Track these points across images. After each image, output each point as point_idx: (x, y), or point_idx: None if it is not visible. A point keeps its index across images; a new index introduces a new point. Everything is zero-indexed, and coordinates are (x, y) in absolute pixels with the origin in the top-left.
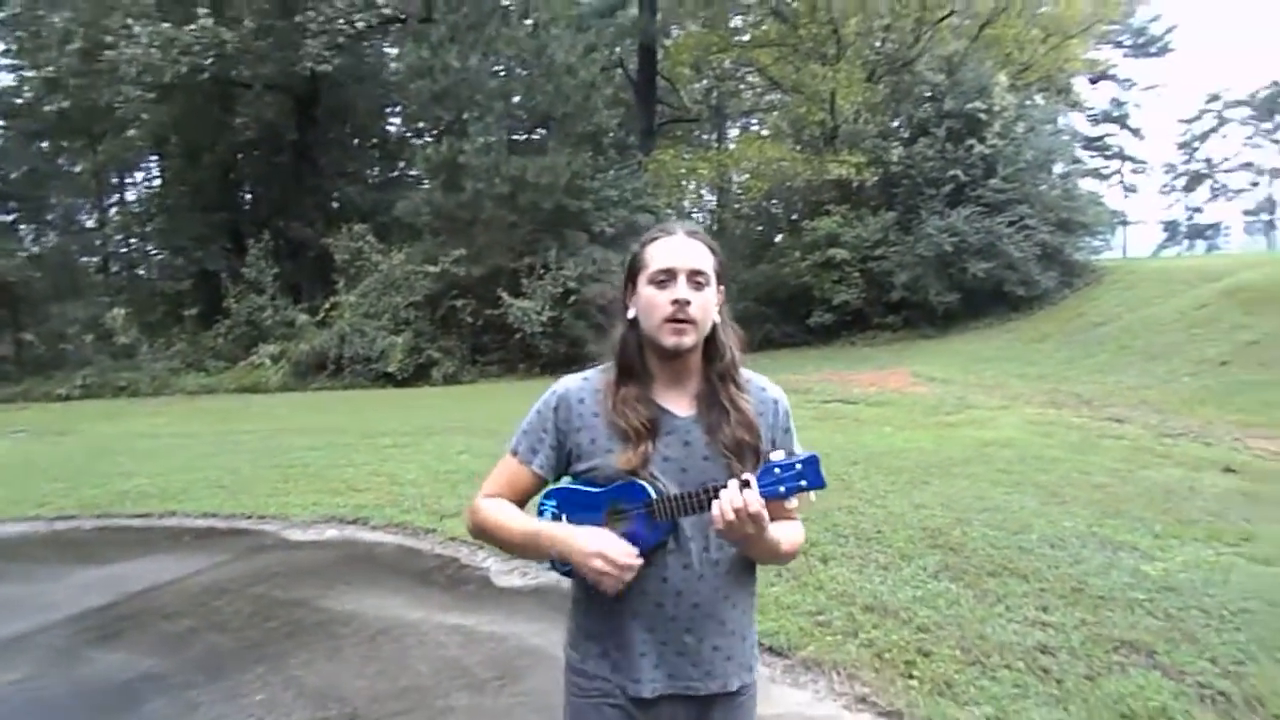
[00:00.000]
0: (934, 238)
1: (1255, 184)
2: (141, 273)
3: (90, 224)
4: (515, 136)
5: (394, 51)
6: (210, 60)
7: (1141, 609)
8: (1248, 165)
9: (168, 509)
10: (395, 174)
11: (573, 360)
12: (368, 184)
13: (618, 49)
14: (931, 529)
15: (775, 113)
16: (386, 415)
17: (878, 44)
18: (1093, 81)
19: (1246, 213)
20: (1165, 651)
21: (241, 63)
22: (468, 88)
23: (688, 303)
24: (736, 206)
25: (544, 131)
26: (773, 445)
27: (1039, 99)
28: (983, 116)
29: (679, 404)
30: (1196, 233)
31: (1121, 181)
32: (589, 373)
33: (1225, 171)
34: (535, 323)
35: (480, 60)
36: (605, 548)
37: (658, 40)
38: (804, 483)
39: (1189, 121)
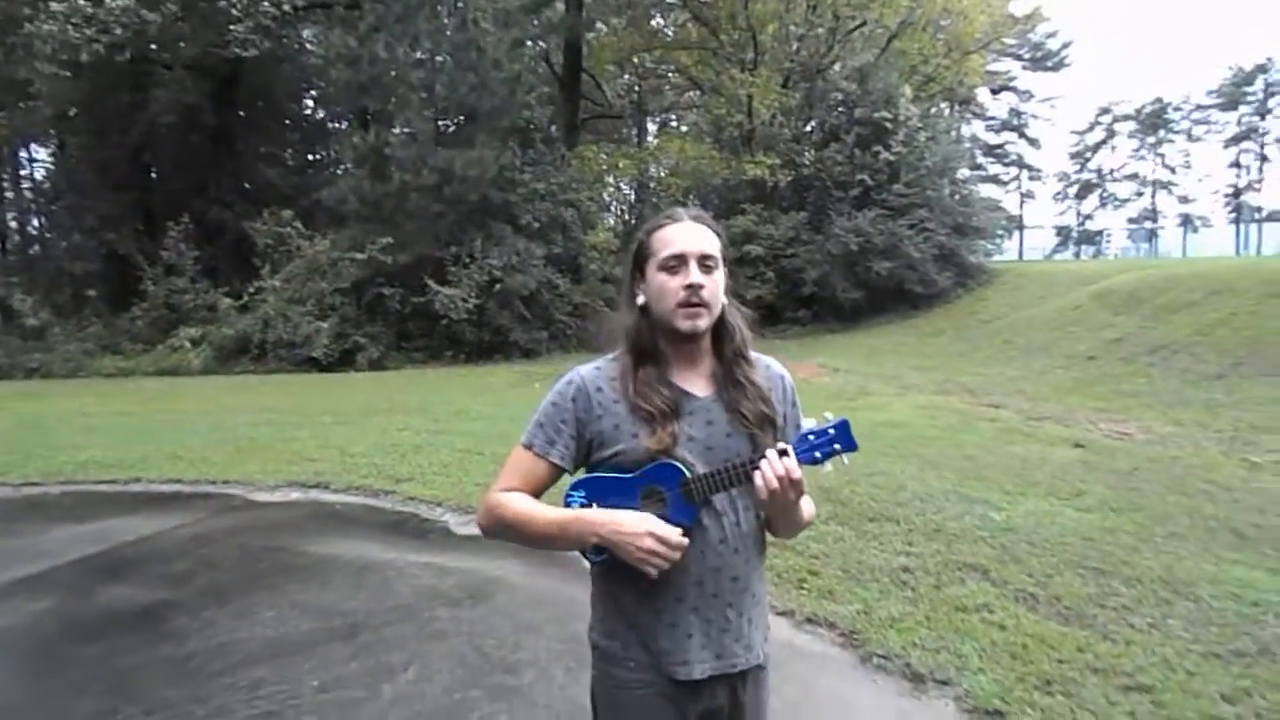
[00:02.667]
0: (841, 238)
1: (1139, 194)
2: (45, 253)
3: None
4: (441, 125)
5: (311, 34)
6: (128, 40)
7: (984, 542)
8: (1133, 176)
9: (131, 476)
10: (316, 159)
11: (496, 348)
12: (287, 168)
13: (542, 44)
14: (825, 488)
15: (694, 111)
16: (318, 398)
17: (793, 50)
18: (994, 92)
19: (1130, 221)
20: (996, 569)
21: (161, 43)
22: (394, 79)
23: (701, 286)
24: (655, 202)
25: (469, 123)
26: (784, 420)
27: (944, 107)
28: (889, 125)
29: (696, 385)
30: (1086, 238)
31: (1019, 188)
32: (599, 362)
33: (1113, 181)
34: (460, 310)
35: (407, 51)
36: (655, 527)
37: (583, 36)
38: (838, 446)
39: (1081, 133)
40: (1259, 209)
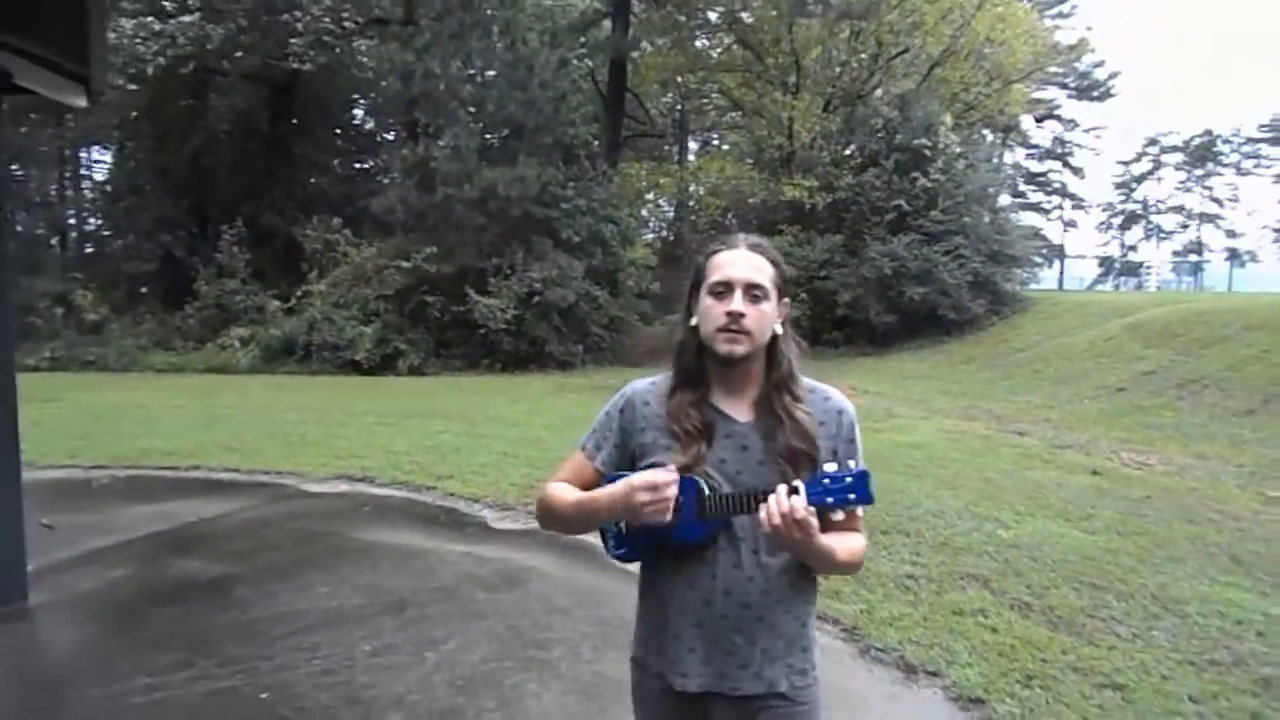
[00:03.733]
0: (876, 261)
1: (1185, 227)
2: (102, 251)
3: (55, 201)
4: (488, 139)
5: (364, 46)
6: (192, 52)
7: (988, 556)
8: (1179, 209)
9: (191, 464)
10: (364, 168)
11: (532, 359)
12: (337, 176)
13: (589, 62)
14: None
15: (736, 131)
16: (361, 399)
17: (836, 75)
18: (1038, 120)
19: (1175, 254)
20: (997, 580)
21: (222, 54)
22: (445, 93)
23: (742, 315)
24: (694, 220)
25: (514, 138)
26: (834, 455)
27: (986, 134)
28: (928, 152)
29: (738, 410)
30: (1129, 270)
31: (1062, 217)
32: (657, 377)
33: (1158, 213)
34: (499, 321)
35: (459, 68)
36: (637, 480)
37: (628, 56)
38: (852, 496)
39: (1127, 163)
40: None
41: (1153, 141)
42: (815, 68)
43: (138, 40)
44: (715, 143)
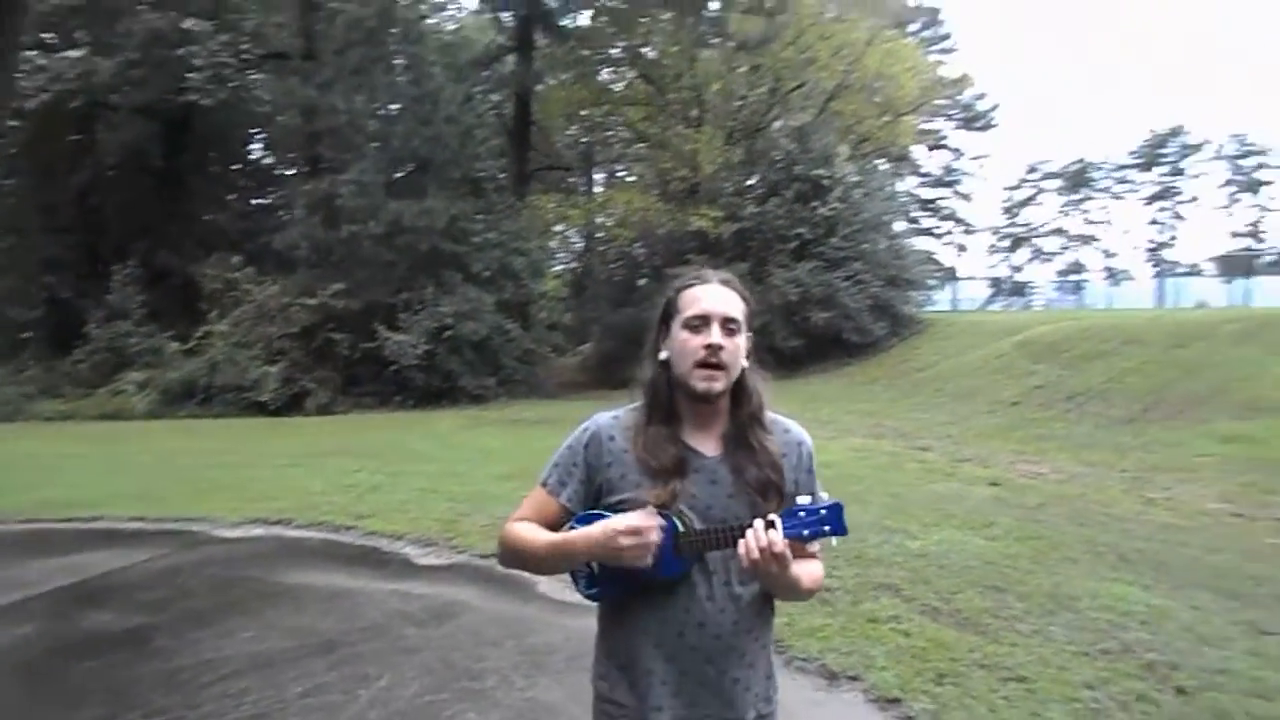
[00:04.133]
0: (781, 288)
1: (1066, 248)
2: None
3: None
4: (394, 174)
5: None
6: (79, 88)
7: (899, 566)
8: (1060, 231)
9: (93, 514)
10: (264, 204)
11: (444, 394)
12: (235, 212)
13: (494, 97)
14: None
15: (641, 163)
16: (269, 441)
17: (736, 109)
18: (930, 149)
19: (1059, 273)
20: (907, 588)
21: (113, 89)
22: (349, 128)
23: (721, 348)
24: (603, 250)
25: (420, 173)
26: (795, 486)
27: (880, 163)
28: (826, 182)
29: (706, 444)
30: (1017, 290)
31: (953, 241)
32: (619, 411)
33: (1041, 235)
34: (410, 356)
35: (364, 103)
36: (620, 524)
37: (532, 90)
38: (827, 528)
39: (1011, 189)
40: (1175, 263)
41: (1033, 169)
42: (716, 101)
43: (19, 75)
44: (621, 174)
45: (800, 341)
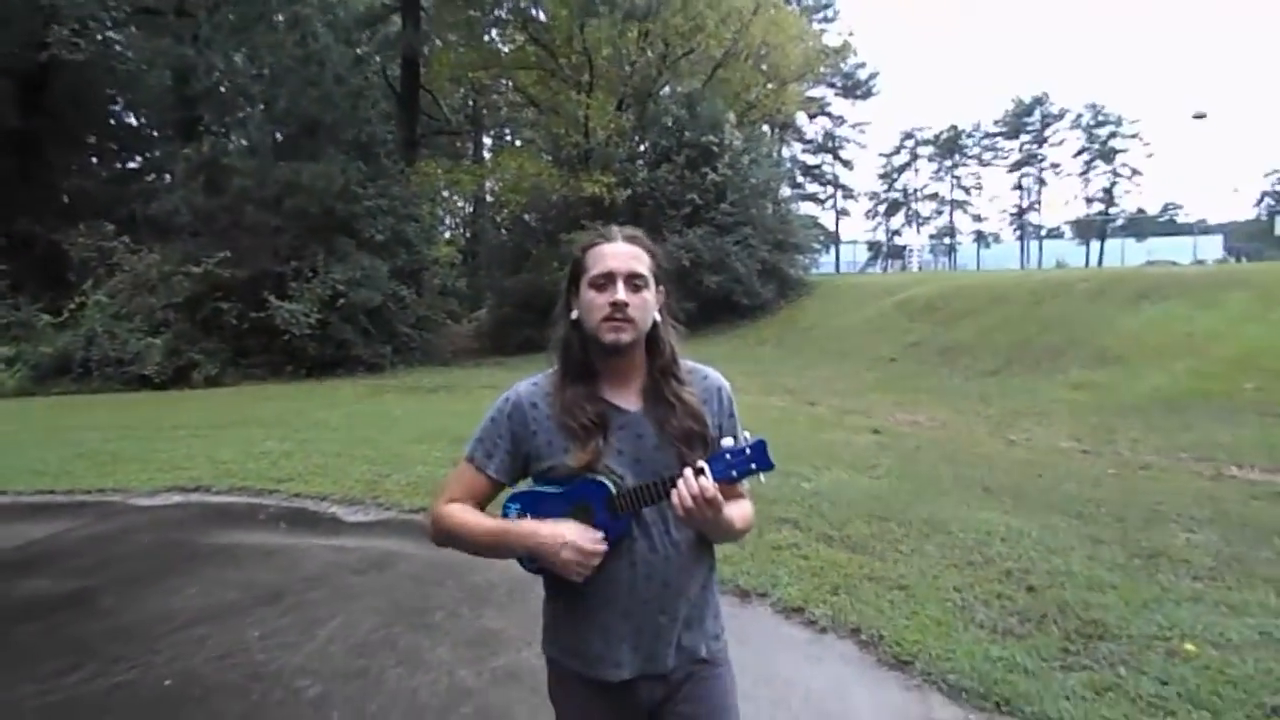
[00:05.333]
0: (674, 253)
1: (939, 212)
2: None
3: None
4: (281, 138)
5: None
6: None
7: (796, 503)
8: (933, 196)
9: None
10: (134, 169)
11: (339, 363)
12: (102, 178)
13: (379, 59)
14: None
15: (532, 128)
16: (160, 414)
17: (627, 75)
18: (811, 117)
19: (932, 236)
20: (804, 520)
21: None
22: (231, 89)
23: (625, 304)
24: (497, 218)
25: (308, 136)
26: (719, 430)
27: (765, 131)
28: (715, 148)
29: (627, 399)
30: (895, 252)
31: (835, 205)
32: (538, 377)
33: (917, 200)
34: (303, 325)
35: (244, 63)
36: (572, 538)
37: (419, 52)
38: (753, 465)
39: (888, 156)
40: (1039, 227)
41: (909, 135)
42: (607, 67)
43: None
44: (509, 139)
45: (693, 305)
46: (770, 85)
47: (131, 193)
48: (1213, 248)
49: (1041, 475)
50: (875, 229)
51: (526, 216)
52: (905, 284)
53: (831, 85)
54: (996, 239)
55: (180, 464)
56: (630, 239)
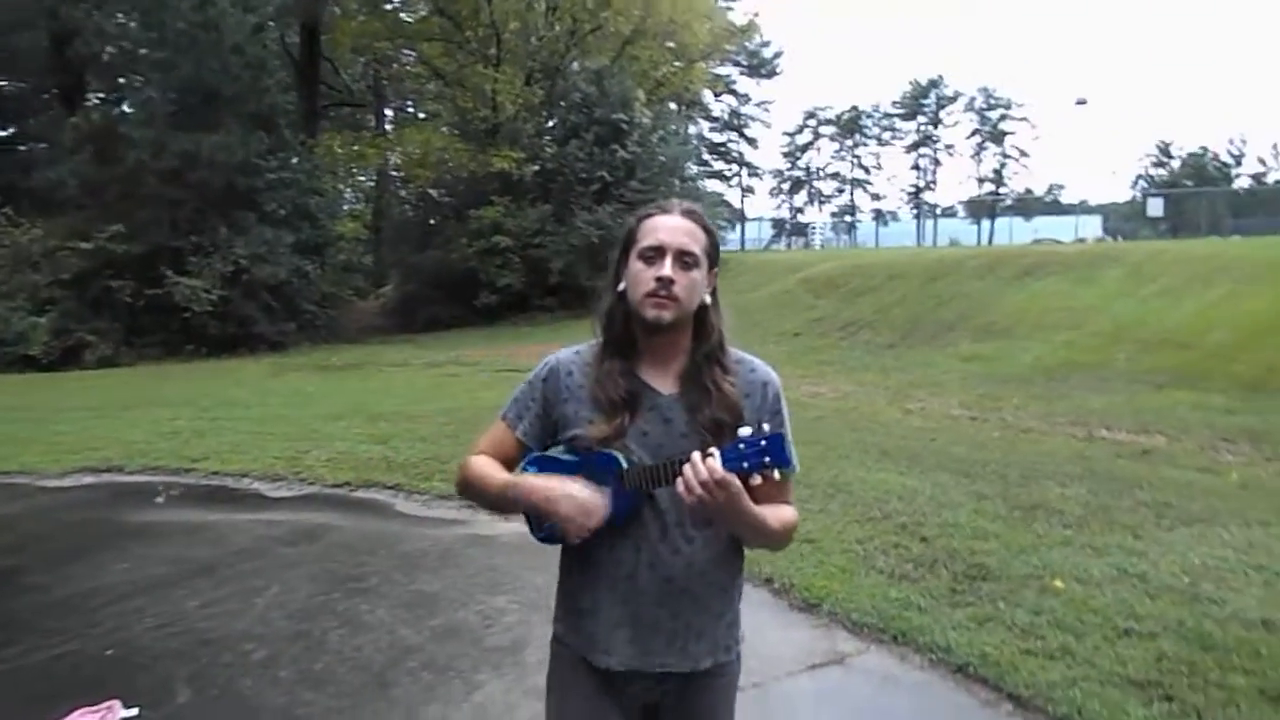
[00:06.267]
0: (584, 230)
1: (840, 191)
2: None
3: None
4: (178, 108)
5: None
6: None
7: None
8: (835, 175)
9: None
10: (4, 135)
11: (241, 341)
12: None
13: (274, 25)
14: None
15: (438, 102)
16: (57, 396)
17: (535, 49)
18: (717, 95)
19: (834, 215)
20: None
21: None
22: (121, 55)
23: (671, 281)
24: (403, 193)
25: (206, 106)
26: (758, 426)
27: (673, 108)
28: (625, 126)
29: (663, 382)
30: (798, 230)
31: (740, 183)
32: (581, 346)
33: (819, 179)
34: (203, 302)
35: (137, 29)
36: (573, 491)
37: (320, 21)
38: (767, 459)
39: (792, 134)
40: (934, 206)
41: (811, 114)
42: (515, 41)
43: None
44: (411, 111)
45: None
46: (678, 63)
47: (7, 162)
48: (1092, 227)
49: (934, 440)
50: (779, 207)
51: (433, 191)
52: (809, 261)
53: (737, 64)
54: (895, 217)
55: (88, 445)
56: (687, 213)
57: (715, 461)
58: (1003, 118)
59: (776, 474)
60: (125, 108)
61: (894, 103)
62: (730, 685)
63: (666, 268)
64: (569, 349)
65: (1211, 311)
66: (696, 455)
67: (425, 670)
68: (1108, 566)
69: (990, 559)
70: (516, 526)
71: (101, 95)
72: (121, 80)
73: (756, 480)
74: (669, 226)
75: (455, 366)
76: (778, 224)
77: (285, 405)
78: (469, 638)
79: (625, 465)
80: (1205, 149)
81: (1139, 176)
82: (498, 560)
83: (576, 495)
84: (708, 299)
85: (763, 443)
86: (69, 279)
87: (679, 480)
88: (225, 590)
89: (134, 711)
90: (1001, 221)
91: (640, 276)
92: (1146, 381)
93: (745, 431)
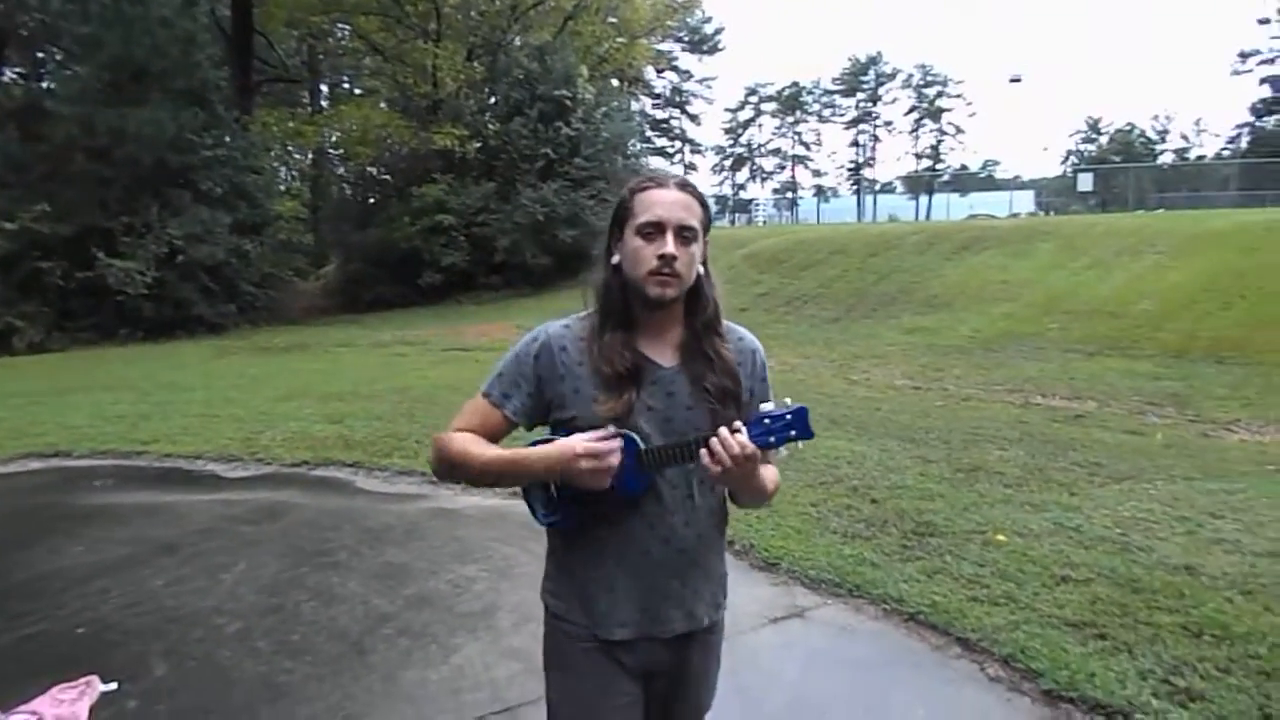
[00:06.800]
0: (529, 208)
1: (782, 167)
2: None
3: None
4: (106, 84)
5: None
6: None
7: None
8: (776, 151)
9: None
10: None
11: (178, 324)
12: None
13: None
14: None
15: (377, 78)
16: None
17: (476, 24)
18: (659, 71)
19: (775, 191)
20: None
21: None
22: (43, 29)
23: (674, 258)
24: (341, 171)
25: (135, 82)
26: (750, 394)
27: (616, 84)
28: (568, 102)
29: (662, 354)
30: (741, 206)
31: (683, 160)
32: (570, 320)
33: (761, 155)
34: (138, 284)
35: (61, 2)
36: (580, 447)
37: None
38: (793, 433)
39: (734, 111)
40: (874, 182)
41: (752, 92)
42: (455, 15)
43: None
44: (348, 87)
45: (549, 259)
46: (620, 39)
47: None
48: (1026, 202)
49: (880, 408)
50: (722, 183)
51: (373, 169)
52: (752, 237)
53: (679, 40)
54: (835, 193)
55: (29, 431)
56: (683, 186)
57: (744, 436)
58: (940, 95)
59: (800, 445)
60: (47, 84)
61: (834, 79)
62: (720, 639)
63: (669, 245)
64: (556, 322)
65: (1139, 283)
66: (723, 431)
67: (402, 636)
68: (1045, 521)
69: (937, 517)
70: (480, 500)
71: (21, 71)
72: (41, 55)
73: (783, 453)
74: (667, 201)
75: (402, 346)
76: (721, 200)
77: (232, 388)
78: (442, 605)
79: (643, 448)
80: (1132, 125)
81: (1070, 152)
82: (462, 532)
83: (585, 447)
84: (701, 269)
85: (788, 416)
86: None
87: (703, 454)
88: (190, 568)
89: (113, 685)
90: (939, 197)
91: (641, 254)
92: (1079, 350)
93: (767, 406)
